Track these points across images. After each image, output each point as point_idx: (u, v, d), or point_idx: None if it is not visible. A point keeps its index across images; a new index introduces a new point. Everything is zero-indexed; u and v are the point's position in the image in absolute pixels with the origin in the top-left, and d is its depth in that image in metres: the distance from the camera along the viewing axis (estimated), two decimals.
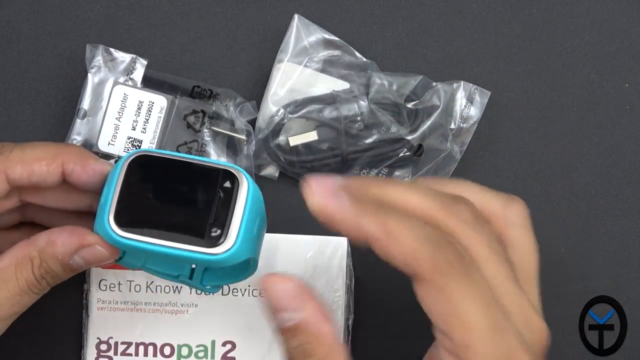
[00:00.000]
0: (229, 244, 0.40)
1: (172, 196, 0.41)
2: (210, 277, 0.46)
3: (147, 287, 0.48)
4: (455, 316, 0.39)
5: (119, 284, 0.48)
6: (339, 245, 0.49)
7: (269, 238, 0.45)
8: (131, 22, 0.54)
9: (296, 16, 0.53)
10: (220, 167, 0.42)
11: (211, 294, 0.47)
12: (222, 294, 0.48)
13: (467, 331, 0.39)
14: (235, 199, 0.41)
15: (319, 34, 0.53)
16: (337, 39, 0.53)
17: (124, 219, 0.40)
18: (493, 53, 0.55)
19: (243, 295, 0.48)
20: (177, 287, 0.48)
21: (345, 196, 0.39)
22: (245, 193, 0.41)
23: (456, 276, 0.39)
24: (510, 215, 0.43)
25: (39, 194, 0.45)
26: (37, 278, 0.43)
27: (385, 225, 0.39)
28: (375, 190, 0.40)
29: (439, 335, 0.40)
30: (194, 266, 0.46)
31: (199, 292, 0.48)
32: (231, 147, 0.52)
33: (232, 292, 0.48)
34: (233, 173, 0.41)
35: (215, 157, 0.52)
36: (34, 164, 0.43)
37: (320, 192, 0.39)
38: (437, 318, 0.40)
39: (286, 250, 0.49)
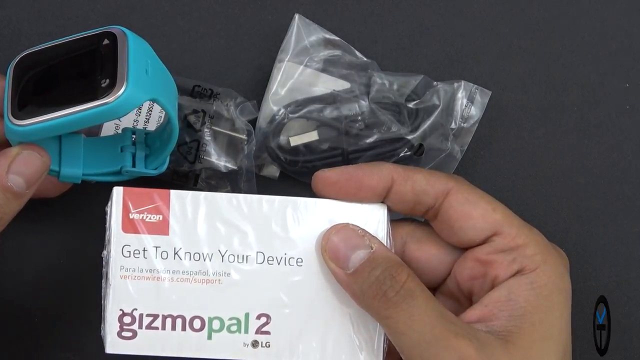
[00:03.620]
0: (121, 88, 0.40)
1: (60, 75, 0.43)
2: (153, 159, 0.47)
3: (174, 254, 0.43)
4: (496, 210, 0.43)
5: (144, 249, 0.43)
6: (377, 212, 0.45)
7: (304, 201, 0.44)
8: (131, 22, 0.54)
9: (297, 16, 0.53)
10: (95, 32, 0.43)
11: (157, 175, 0.47)
12: (257, 262, 0.44)
13: (512, 222, 0.44)
14: (117, 50, 0.42)
15: (319, 34, 0.53)
16: (337, 38, 0.53)
17: (21, 111, 0.41)
18: (493, 53, 0.55)
19: (279, 263, 0.44)
20: (207, 254, 0.43)
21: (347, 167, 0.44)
22: (125, 43, 0.42)
23: (479, 191, 0.44)
24: None
25: None
26: None
27: (400, 167, 0.44)
28: None
29: (478, 250, 0.43)
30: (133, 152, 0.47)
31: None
32: (232, 146, 0.52)
33: (268, 260, 0.44)
34: (110, 31, 0.42)
35: (216, 156, 0.52)
36: None
37: (328, 170, 0.45)
38: (480, 219, 0.43)
39: (324, 216, 0.45)
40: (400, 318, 0.41)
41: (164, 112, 0.51)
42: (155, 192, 0.43)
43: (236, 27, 0.55)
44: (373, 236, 0.43)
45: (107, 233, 0.43)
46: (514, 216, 0.44)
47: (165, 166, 0.47)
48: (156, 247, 0.43)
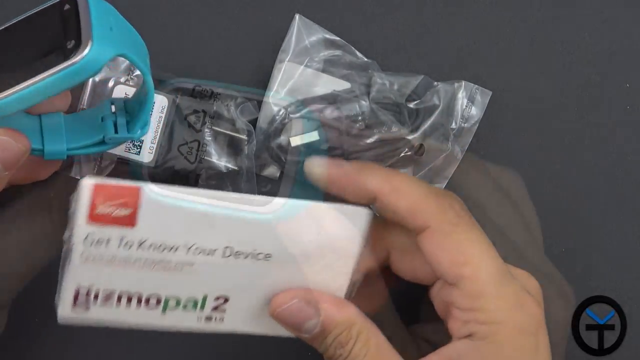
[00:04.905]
0: (87, 46, 0.41)
1: (27, 47, 0.43)
2: (134, 123, 0.47)
3: (139, 245, 0.42)
4: (466, 262, 0.41)
5: (108, 240, 0.42)
6: (359, 217, 0.44)
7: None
8: (131, 22, 0.54)
9: (297, 16, 0.53)
10: (56, 0, 0.44)
11: (138, 141, 0.47)
12: (224, 256, 0.43)
13: (479, 276, 0.41)
14: (79, 12, 0.42)
15: (320, 34, 0.53)
16: (338, 38, 0.53)
17: None
18: (493, 53, 0.55)
19: (246, 258, 0.43)
20: (173, 247, 0.42)
21: (346, 163, 0.44)
22: (86, 4, 0.42)
23: (464, 226, 0.42)
24: None
25: None
26: None
27: (391, 181, 0.43)
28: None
29: (447, 290, 0.42)
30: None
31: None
32: (232, 147, 0.52)
33: (234, 254, 0.43)
34: None
35: (217, 156, 0.52)
36: None
37: (324, 162, 0.45)
38: (447, 267, 0.41)
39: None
40: None
41: (164, 113, 0.51)
42: (126, 188, 0.41)
43: (236, 27, 0.55)
44: (321, 296, 0.42)
45: (71, 221, 0.41)
46: (487, 266, 0.42)
47: (147, 128, 0.47)
48: (121, 238, 0.42)
